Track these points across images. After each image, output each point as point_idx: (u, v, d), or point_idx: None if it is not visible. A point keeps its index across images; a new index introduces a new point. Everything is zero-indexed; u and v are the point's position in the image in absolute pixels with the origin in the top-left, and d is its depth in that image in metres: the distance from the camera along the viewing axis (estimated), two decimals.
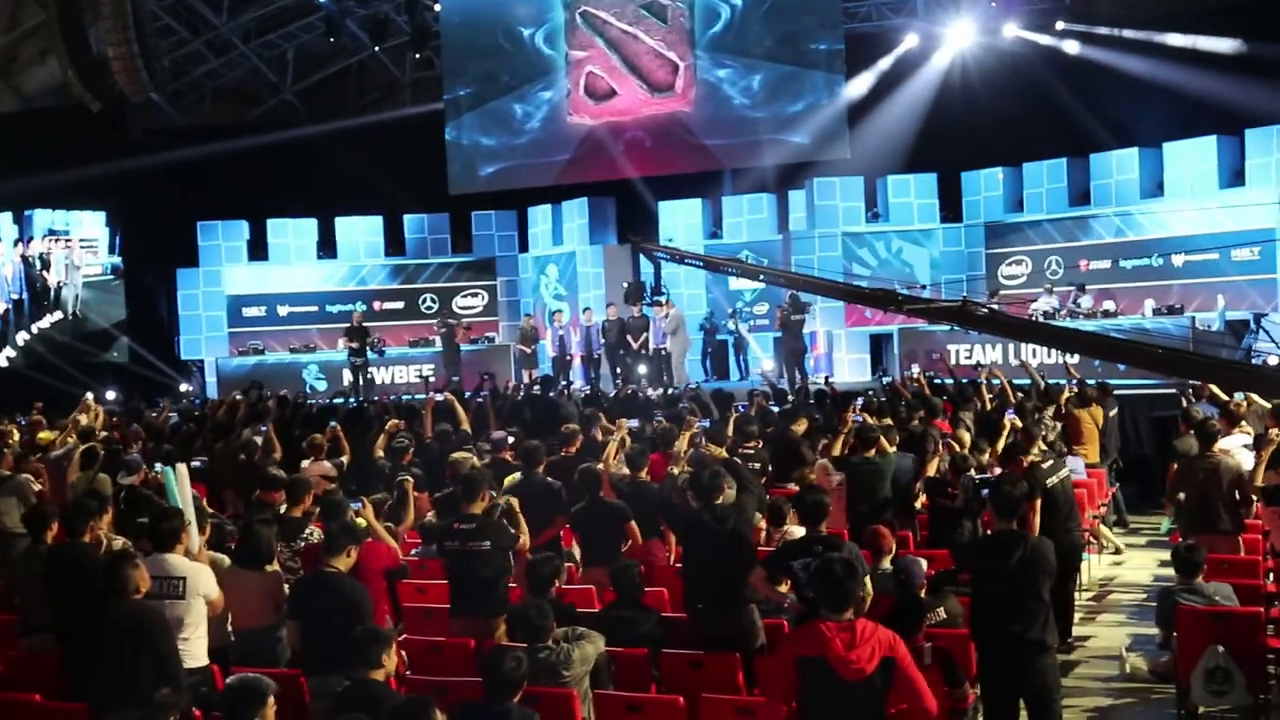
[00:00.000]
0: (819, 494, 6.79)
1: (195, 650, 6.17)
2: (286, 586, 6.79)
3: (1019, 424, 9.94)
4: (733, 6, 20.62)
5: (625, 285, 18.67)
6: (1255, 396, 10.57)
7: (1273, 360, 13.33)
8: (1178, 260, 18.25)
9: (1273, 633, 6.89)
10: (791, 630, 5.83)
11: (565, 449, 10.00)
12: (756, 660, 6.40)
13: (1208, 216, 17.86)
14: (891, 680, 4.79)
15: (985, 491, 7.77)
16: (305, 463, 10.18)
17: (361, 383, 20.04)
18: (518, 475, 8.96)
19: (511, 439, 11.10)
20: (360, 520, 7.44)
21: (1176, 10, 18.97)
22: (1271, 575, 8.12)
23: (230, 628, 6.72)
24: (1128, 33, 18.95)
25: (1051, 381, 13.25)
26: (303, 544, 7.46)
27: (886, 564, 7.01)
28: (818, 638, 4.89)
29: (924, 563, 6.92)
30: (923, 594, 6.71)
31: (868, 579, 6.33)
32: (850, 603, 4.97)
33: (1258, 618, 6.94)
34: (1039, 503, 8.09)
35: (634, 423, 11.79)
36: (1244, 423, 10.24)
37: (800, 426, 11.19)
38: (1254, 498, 8.74)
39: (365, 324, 20.90)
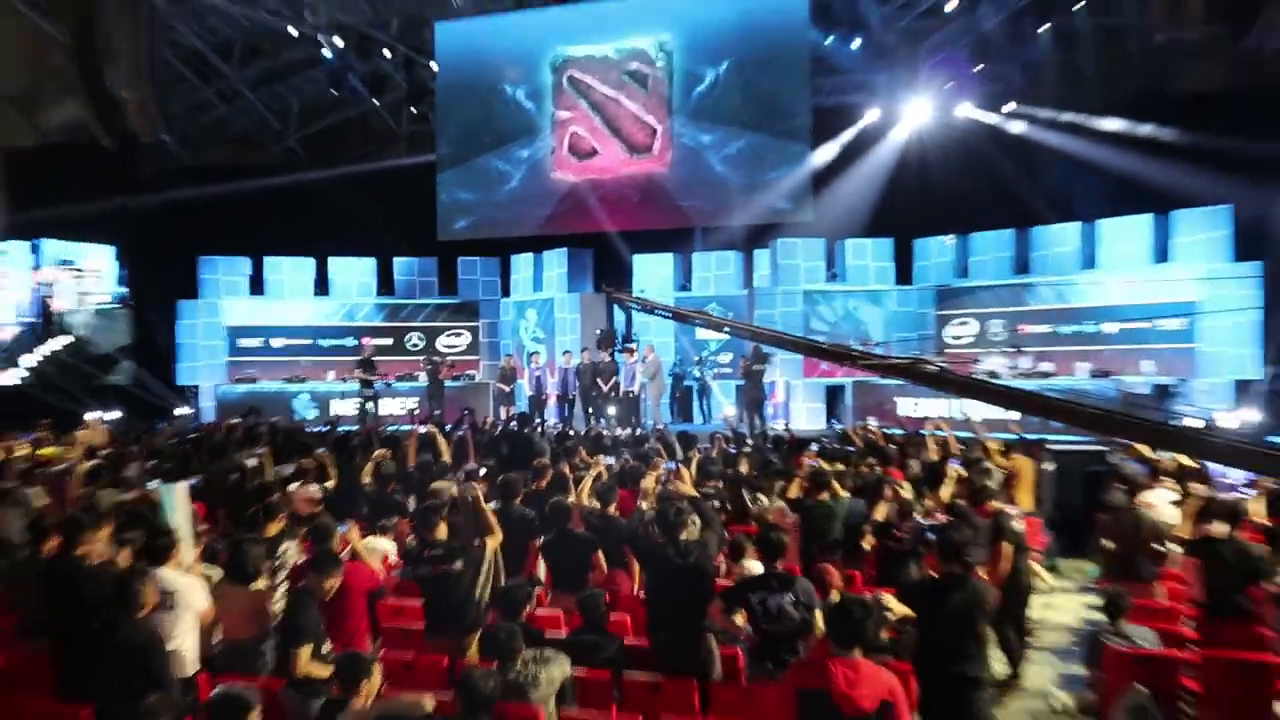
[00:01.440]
0: (780, 532, 6.78)
1: (183, 659, 6.13)
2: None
3: (963, 474, 10.00)
4: (716, 74, 20.76)
5: (598, 332, 18.62)
6: (1180, 456, 10.68)
7: (1192, 422, 13.49)
8: (1110, 328, 18.46)
9: (1188, 674, 6.93)
10: (795, 663, 5.84)
11: (537, 482, 10.00)
12: (712, 687, 6.40)
13: (1137, 288, 18.09)
14: None
15: (931, 536, 7.81)
16: (293, 486, 10.11)
17: (374, 413, 19.89)
18: (493, 505, 8.93)
19: (484, 470, 11.11)
20: (367, 541, 7.49)
21: (1114, 98, 19.29)
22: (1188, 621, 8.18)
23: (218, 639, 6.66)
24: (1069, 116, 19.26)
25: (994, 435, 13.33)
26: (277, 562, 7.39)
27: (834, 598, 7.00)
28: (821, 672, 4.89)
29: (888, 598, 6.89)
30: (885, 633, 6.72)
31: (819, 612, 6.34)
32: (860, 640, 4.98)
33: (1176, 660, 6.99)
34: (1010, 549, 8.15)
35: (610, 460, 11.80)
36: (1167, 479, 10.36)
37: (743, 466, 11.31)
38: (1173, 548, 8.82)
39: (373, 358, 20.69)
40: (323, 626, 6.35)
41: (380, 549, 8.48)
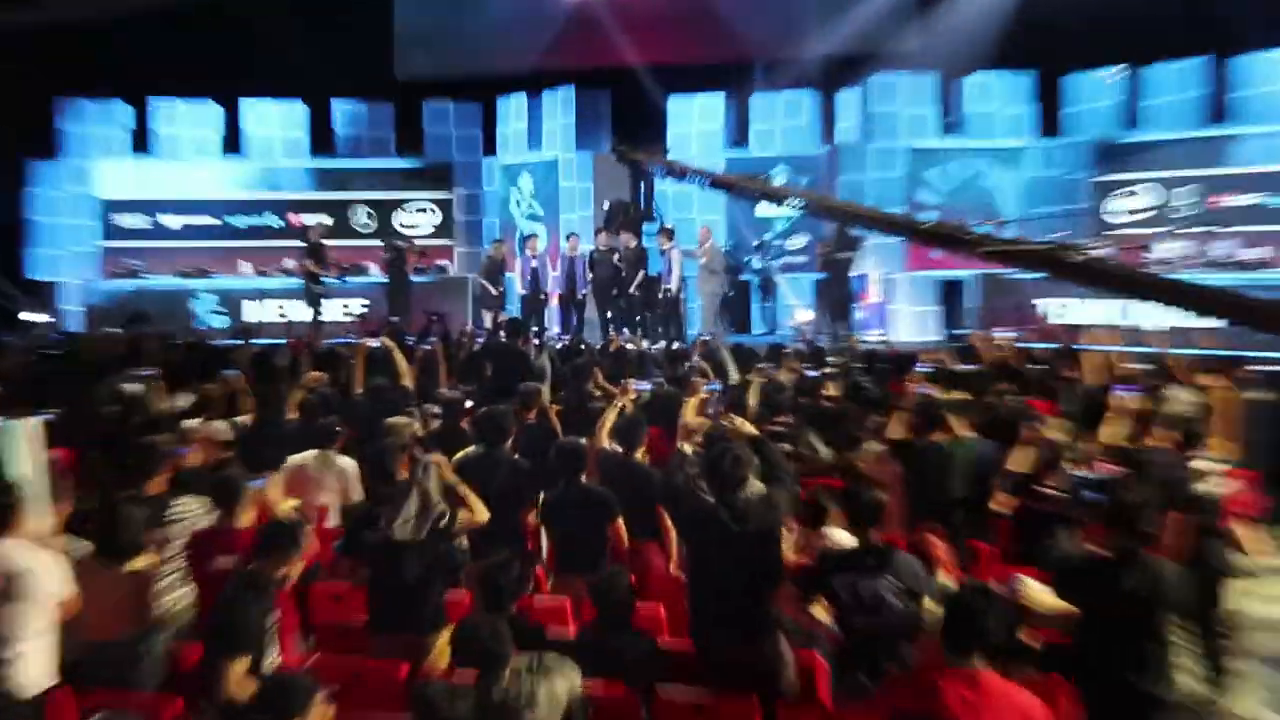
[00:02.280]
0: (873, 490, 6.67)
1: (36, 668, 6.08)
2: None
3: (1130, 405, 9.80)
4: None
5: (606, 206, 18.70)
6: None
7: None
8: None
9: None
10: (895, 677, 5.80)
11: (525, 414, 9.90)
12: (781, 706, 6.31)
13: None
14: None
15: (1091, 495, 7.64)
16: (191, 423, 10.05)
17: (320, 318, 20.14)
18: (473, 449, 8.83)
19: (468, 402, 11.07)
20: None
21: None
22: None
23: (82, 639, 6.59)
24: None
25: (1177, 351, 13.16)
26: (168, 530, 7.30)
27: (943, 579, 6.87)
28: (930, 691, 4.79)
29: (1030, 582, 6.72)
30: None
31: (927, 599, 6.23)
32: (983, 645, 4.88)
33: None
34: (1182, 517, 7.96)
35: (644, 385, 11.61)
36: None
37: (830, 390, 11.21)
38: None
39: (322, 240, 20.83)
40: (276, 629, 6.29)
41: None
